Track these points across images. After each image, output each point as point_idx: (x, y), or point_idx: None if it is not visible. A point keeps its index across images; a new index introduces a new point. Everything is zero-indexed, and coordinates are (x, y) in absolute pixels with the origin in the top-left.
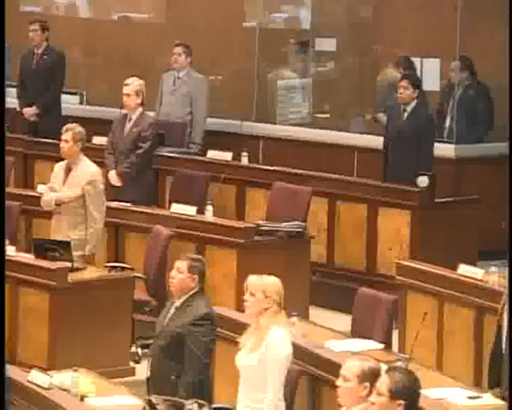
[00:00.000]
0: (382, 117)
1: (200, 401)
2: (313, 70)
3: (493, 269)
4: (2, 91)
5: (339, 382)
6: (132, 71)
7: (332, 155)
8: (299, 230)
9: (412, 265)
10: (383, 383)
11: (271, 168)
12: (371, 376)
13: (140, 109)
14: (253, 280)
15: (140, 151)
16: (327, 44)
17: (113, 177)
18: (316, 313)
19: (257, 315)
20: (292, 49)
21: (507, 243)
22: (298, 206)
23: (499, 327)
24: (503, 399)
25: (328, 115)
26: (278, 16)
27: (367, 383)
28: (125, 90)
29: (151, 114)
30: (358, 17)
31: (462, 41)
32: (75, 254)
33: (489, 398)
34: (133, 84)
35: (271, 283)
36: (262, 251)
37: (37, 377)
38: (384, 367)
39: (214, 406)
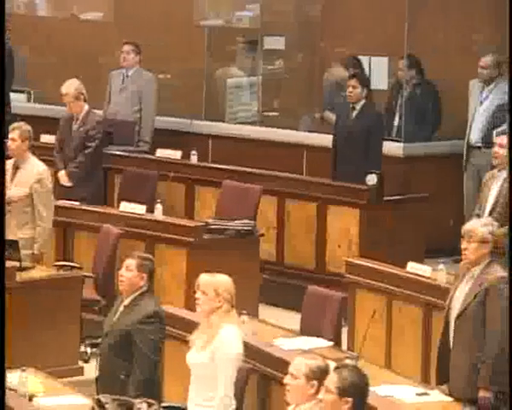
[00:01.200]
0: (330, 116)
1: (149, 400)
2: (262, 68)
3: (441, 267)
4: (2, 92)
5: (287, 379)
6: (81, 69)
7: (281, 153)
8: (249, 228)
9: (361, 263)
10: (331, 380)
11: (221, 167)
12: (319, 374)
13: (86, 108)
14: (204, 279)
15: (88, 150)
16: (275, 43)
17: (62, 177)
18: (265, 312)
19: (208, 314)
20: (241, 48)
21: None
22: (247, 204)
23: (446, 324)
24: (451, 395)
25: (277, 114)
26: (227, 15)
27: (315, 382)
28: (65, 99)
29: (99, 112)
30: (307, 16)
31: (409, 40)
32: (23, 252)
33: (437, 395)
34: (70, 91)
35: (223, 281)
36: (212, 250)
37: None
38: (332, 365)
39: (164, 404)
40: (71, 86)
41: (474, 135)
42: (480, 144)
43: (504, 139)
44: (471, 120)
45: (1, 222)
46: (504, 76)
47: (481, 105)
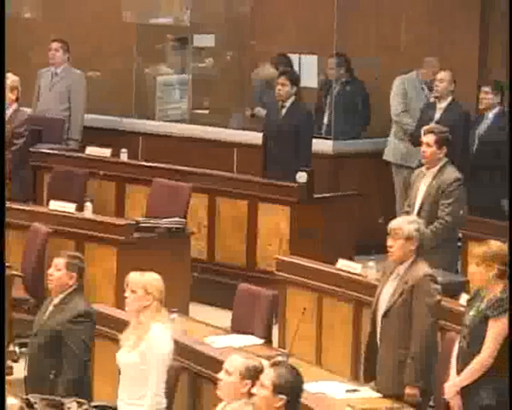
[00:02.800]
0: (261, 111)
1: (79, 400)
2: (192, 66)
3: (371, 264)
4: (3, 93)
5: (221, 375)
6: (10, 67)
7: (211, 151)
8: (179, 226)
9: (292, 260)
10: (267, 376)
11: (151, 165)
12: (254, 373)
13: (15, 105)
14: (133, 277)
15: (14, 148)
16: (205, 41)
17: None
18: (196, 310)
19: (138, 312)
20: (170, 46)
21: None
22: (178, 202)
23: (373, 321)
24: (379, 392)
25: (207, 111)
26: (157, 12)
27: (248, 381)
28: None
29: (27, 110)
30: (236, 13)
31: (338, 38)
32: None
33: (366, 391)
34: (6, 80)
35: (152, 279)
36: (142, 248)
37: None
38: (265, 364)
39: (94, 404)
40: (8, 77)
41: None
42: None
43: (431, 138)
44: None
45: (1, 222)
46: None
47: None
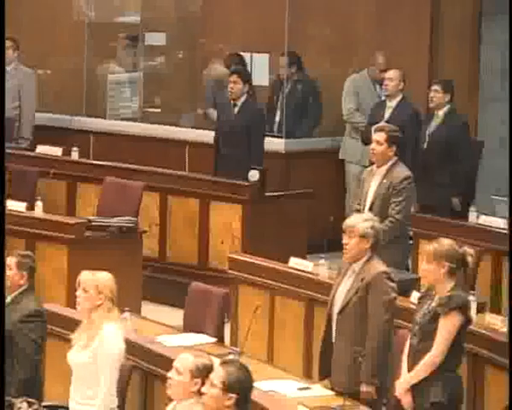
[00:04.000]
0: (212, 113)
1: (30, 400)
2: (143, 65)
3: (323, 262)
4: (2, 93)
5: (170, 374)
6: None
7: (163, 149)
8: (131, 225)
9: (244, 258)
10: (217, 375)
11: (102, 163)
12: (204, 372)
13: None
14: (85, 276)
15: None
16: (156, 39)
17: None
18: (148, 309)
19: (89, 312)
20: (121, 44)
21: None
22: (129, 201)
23: (329, 319)
24: (333, 389)
25: (159, 110)
26: (107, 11)
27: (199, 379)
28: None
29: None
30: (187, 11)
31: (290, 37)
32: None
33: (318, 389)
34: None
35: (104, 278)
36: (93, 247)
37: None
38: (216, 362)
39: (45, 404)
40: None
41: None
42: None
43: (381, 136)
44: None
45: (1, 222)
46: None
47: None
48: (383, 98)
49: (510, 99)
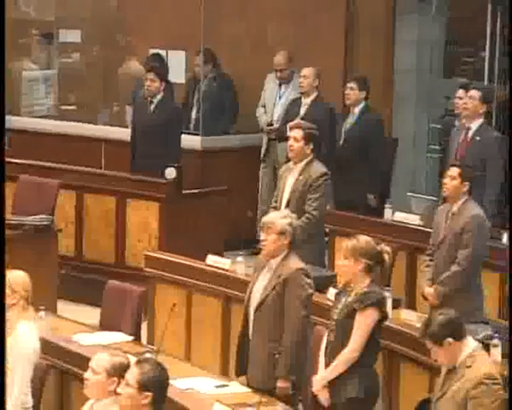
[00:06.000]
0: (128, 110)
1: None
2: (58, 62)
3: (240, 259)
4: (2, 92)
5: (87, 374)
6: None
7: (79, 147)
8: (47, 223)
9: (161, 256)
10: (132, 374)
11: (17, 161)
12: (120, 370)
13: None
14: None
15: None
16: (71, 36)
17: None
18: (64, 307)
19: None
20: (35, 41)
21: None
22: (45, 199)
23: (246, 315)
24: (249, 386)
25: (74, 107)
26: (21, 7)
27: (115, 378)
28: None
29: None
30: (103, 8)
31: (206, 35)
32: None
33: (235, 386)
34: None
35: (18, 278)
36: (8, 246)
37: None
38: (133, 360)
39: None
40: None
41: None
42: (276, 137)
43: (299, 133)
44: (270, 113)
45: (1, 222)
46: (296, 72)
47: (280, 100)
48: (281, 97)
49: (511, 98)
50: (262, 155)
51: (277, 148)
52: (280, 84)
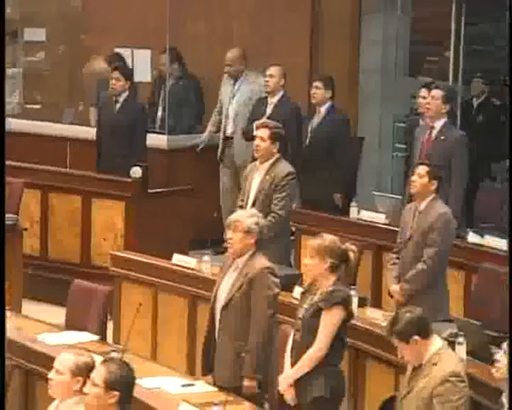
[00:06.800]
0: (92, 111)
1: None
2: (23, 60)
3: (206, 258)
4: (2, 92)
5: (51, 375)
6: None
7: (44, 146)
8: (11, 222)
9: (126, 255)
10: (98, 374)
11: None
12: (85, 370)
13: None
14: None
15: None
16: (36, 35)
17: None
18: (29, 307)
19: None
20: None
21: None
22: (10, 198)
23: (212, 314)
24: (215, 385)
25: (39, 106)
26: None
27: (80, 378)
28: None
29: None
30: (68, 7)
31: (171, 33)
32: None
33: (202, 385)
34: None
35: None
36: None
37: None
38: (98, 360)
39: None
40: None
41: (229, 127)
42: (233, 135)
43: (265, 132)
44: (225, 112)
45: (1, 221)
46: (250, 68)
47: (234, 98)
48: (235, 95)
49: (511, 97)
50: (218, 156)
51: (233, 148)
52: (234, 83)
